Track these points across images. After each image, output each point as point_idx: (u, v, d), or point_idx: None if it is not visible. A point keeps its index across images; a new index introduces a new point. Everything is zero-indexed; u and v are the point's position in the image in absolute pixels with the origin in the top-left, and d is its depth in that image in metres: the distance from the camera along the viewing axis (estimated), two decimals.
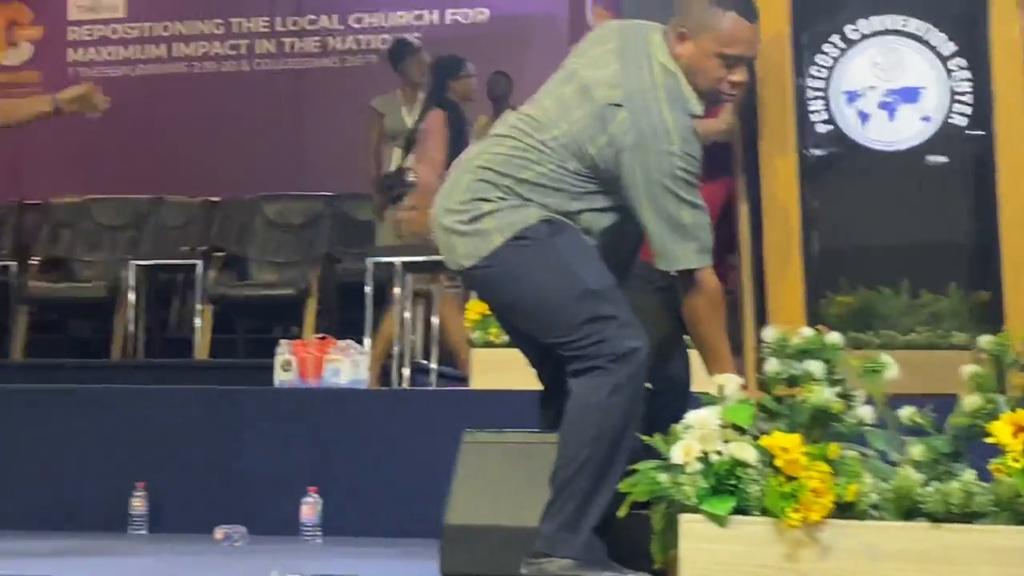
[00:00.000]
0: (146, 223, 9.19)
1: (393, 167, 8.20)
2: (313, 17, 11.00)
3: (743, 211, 5.43)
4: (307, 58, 10.99)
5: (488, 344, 6.32)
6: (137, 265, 8.49)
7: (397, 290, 7.05)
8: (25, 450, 6.40)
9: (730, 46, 3.79)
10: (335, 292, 8.44)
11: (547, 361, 4.08)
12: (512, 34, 10.49)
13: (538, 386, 6.13)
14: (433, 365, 7.00)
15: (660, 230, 3.73)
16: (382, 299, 7.54)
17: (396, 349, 6.98)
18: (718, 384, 3.57)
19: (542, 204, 3.76)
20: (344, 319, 8.40)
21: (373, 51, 10.85)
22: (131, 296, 8.42)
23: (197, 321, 8.39)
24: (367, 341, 7.01)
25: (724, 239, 4.66)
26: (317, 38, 10.98)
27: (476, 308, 6.33)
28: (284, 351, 6.62)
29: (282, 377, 6.61)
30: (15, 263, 8.76)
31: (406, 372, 7.00)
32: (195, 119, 10.96)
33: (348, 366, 6.49)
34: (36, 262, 8.76)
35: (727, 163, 5.53)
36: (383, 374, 7.22)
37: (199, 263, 8.46)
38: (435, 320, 7.12)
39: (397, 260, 7.00)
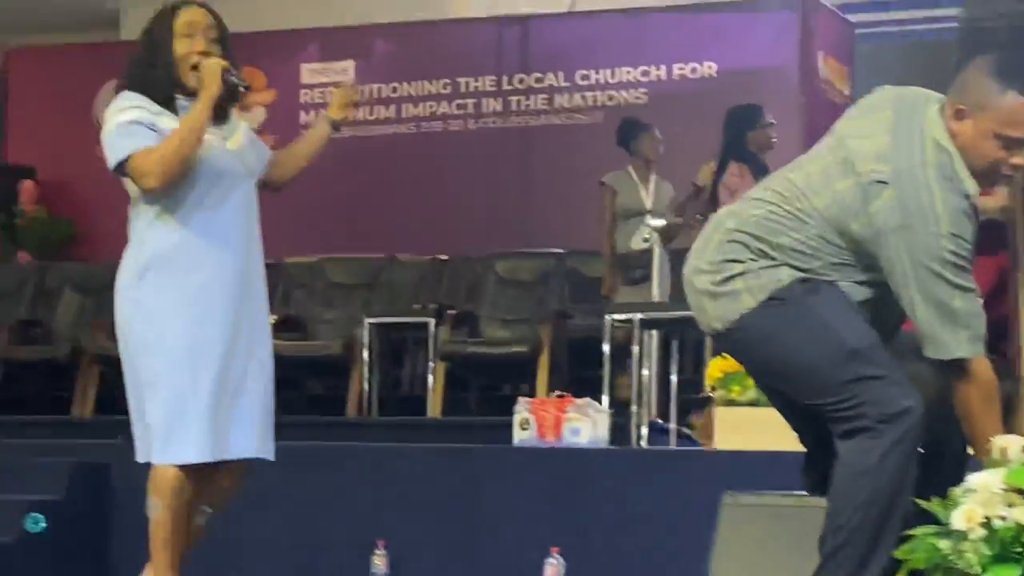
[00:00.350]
0: (378, 282, 9.24)
1: (634, 246, 8.12)
2: (539, 75, 11.02)
3: (1020, 294, 5.21)
4: (533, 115, 11.00)
5: (731, 403, 6.20)
6: (371, 323, 8.53)
7: (635, 347, 6.95)
8: (265, 508, 6.46)
9: (1011, 128, 3.59)
10: (567, 349, 8.37)
11: (808, 423, 3.94)
12: (741, 88, 10.32)
13: (785, 446, 6.01)
14: (672, 425, 6.88)
15: (928, 316, 3.55)
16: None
17: (634, 408, 6.88)
18: (1000, 447, 3.40)
19: (796, 267, 3.64)
20: (576, 376, 8.34)
21: (600, 108, 10.82)
22: (365, 354, 8.46)
23: (430, 379, 8.39)
24: (605, 399, 6.92)
25: (994, 321, 4.45)
26: (544, 95, 10.99)
27: (718, 366, 6.22)
28: (522, 409, 6.59)
29: (520, 436, 6.58)
30: None
31: (644, 431, 6.90)
32: (423, 178, 11.05)
33: (587, 425, 6.43)
34: (273, 320, 8.84)
35: (999, 238, 5.33)
36: (618, 432, 7.11)
37: (431, 321, 8.47)
38: (673, 378, 7.01)
39: (636, 316, 6.91)
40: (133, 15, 13.09)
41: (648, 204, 8.45)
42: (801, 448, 5.92)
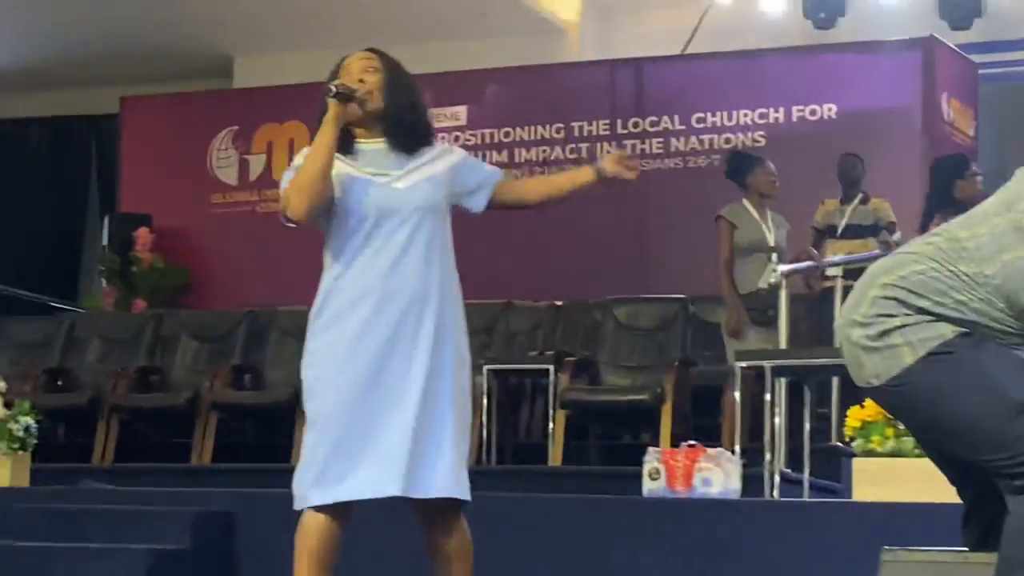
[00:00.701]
0: (495, 327, 9.14)
1: (762, 284, 7.93)
2: (655, 118, 10.92)
3: None
4: (649, 159, 10.88)
5: (870, 453, 6.03)
6: (489, 370, 8.43)
7: (768, 396, 6.79)
8: (379, 559, 6.39)
9: None
10: (689, 397, 8.22)
11: (968, 478, 3.80)
12: (863, 129, 10.21)
13: (926, 498, 5.84)
14: (805, 476, 6.71)
15: None
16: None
17: (768, 457, 6.72)
18: None
19: (956, 325, 3.49)
20: (699, 425, 8.19)
21: (716, 151, 10.69)
22: (484, 401, 8.37)
23: (550, 426, 8.28)
24: (737, 449, 6.77)
25: None
26: (659, 139, 10.88)
27: (857, 415, 6.05)
28: (652, 459, 6.45)
29: (650, 486, 6.44)
30: None
31: (777, 481, 6.73)
32: (538, 223, 10.94)
33: (719, 475, 6.28)
34: None
35: None
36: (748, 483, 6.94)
37: (551, 367, 8.35)
38: (807, 427, 6.84)
39: (767, 364, 6.75)
40: (245, 63, 13.22)
41: (771, 240, 8.25)
42: (947, 500, 5.76)
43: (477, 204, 4.35)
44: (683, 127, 10.85)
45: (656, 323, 8.79)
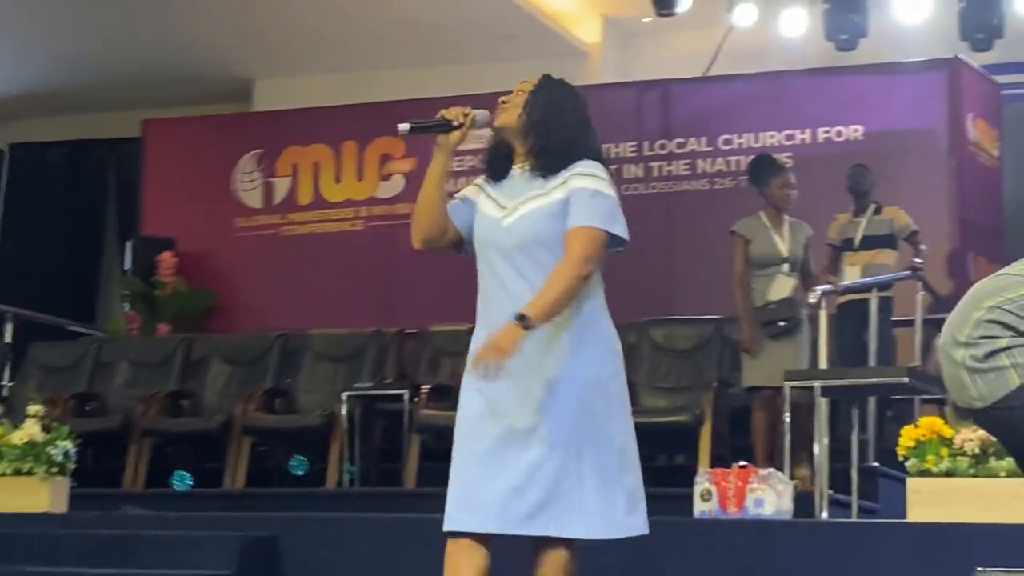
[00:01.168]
0: None
1: (776, 296, 7.90)
2: (681, 140, 10.93)
3: None
4: (675, 181, 10.89)
5: (924, 473, 6.02)
6: None
7: (817, 416, 6.77)
8: None
9: None
10: (727, 418, 8.21)
11: None
12: (888, 150, 10.22)
13: (980, 519, 5.83)
14: (853, 497, 6.68)
15: None
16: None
17: (818, 478, 6.70)
18: None
19: None
20: (736, 446, 8.19)
21: (743, 174, 10.66)
22: None
23: None
24: (787, 469, 6.75)
25: None
26: (685, 160, 10.89)
27: (911, 435, 6.05)
28: (703, 480, 6.44)
29: (702, 508, 6.42)
30: (406, 391, 8.78)
31: (826, 502, 6.71)
32: None
33: (772, 496, 6.26)
34: (426, 390, 8.79)
35: None
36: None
37: None
38: (854, 446, 6.81)
39: (817, 384, 6.74)
40: (265, 87, 13.23)
41: (784, 251, 8.10)
42: (1003, 520, 5.77)
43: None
44: (710, 148, 10.86)
45: (692, 344, 8.78)
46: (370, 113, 11.78)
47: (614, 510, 4.16)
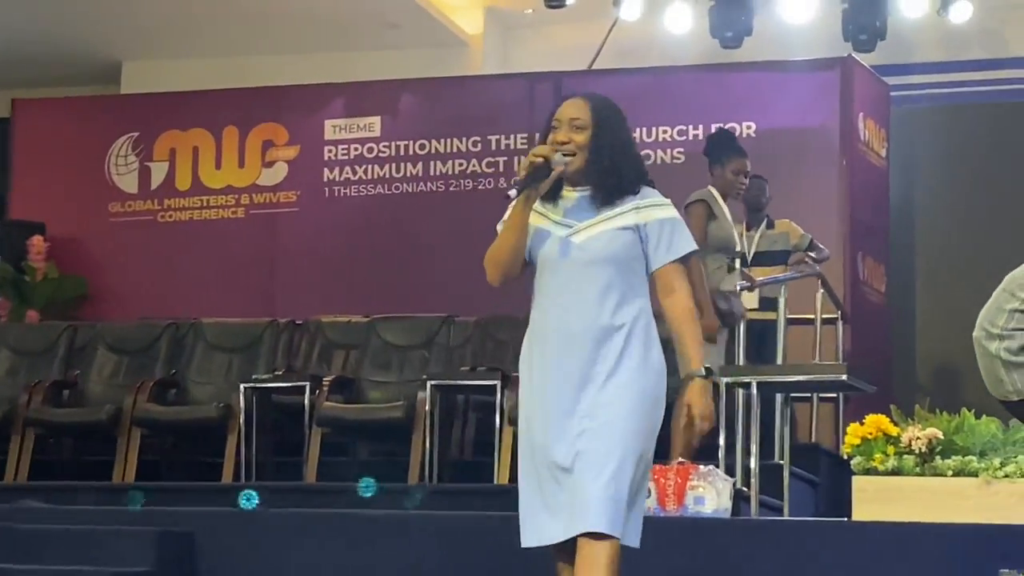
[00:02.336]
0: (435, 342, 8.96)
1: (727, 287, 7.72)
2: None
3: None
4: None
5: (869, 471, 6.01)
6: (433, 385, 8.28)
7: (754, 412, 6.72)
8: None
9: None
10: None
11: None
12: (781, 147, 10.24)
13: (926, 518, 5.83)
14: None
15: None
16: None
17: (752, 478, 6.64)
18: None
19: None
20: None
21: None
22: (428, 417, 8.22)
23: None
24: (722, 466, 6.69)
25: None
26: None
27: (857, 432, 6.03)
28: None
29: None
30: (307, 383, 8.58)
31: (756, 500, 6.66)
32: (452, 237, 10.82)
33: (712, 494, 6.20)
34: (328, 383, 8.60)
35: None
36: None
37: (497, 383, 8.22)
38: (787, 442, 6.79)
39: (754, 380, 6.68)
40: (133, 68, 12.87)
41: (737, 241, 7.89)
42: (948, 519, 5.77)
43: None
44: None
45: None
46: (252, 98, 11.53)
47: None
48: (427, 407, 8.26)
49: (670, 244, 4.33)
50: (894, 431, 5.97)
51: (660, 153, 10.66)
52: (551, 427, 4.21)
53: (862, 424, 6.01)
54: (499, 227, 4.41)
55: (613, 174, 4.29)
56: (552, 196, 4.35)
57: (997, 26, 11.90)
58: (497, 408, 8.19)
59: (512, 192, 4.30)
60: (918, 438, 5.90)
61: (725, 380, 6.77)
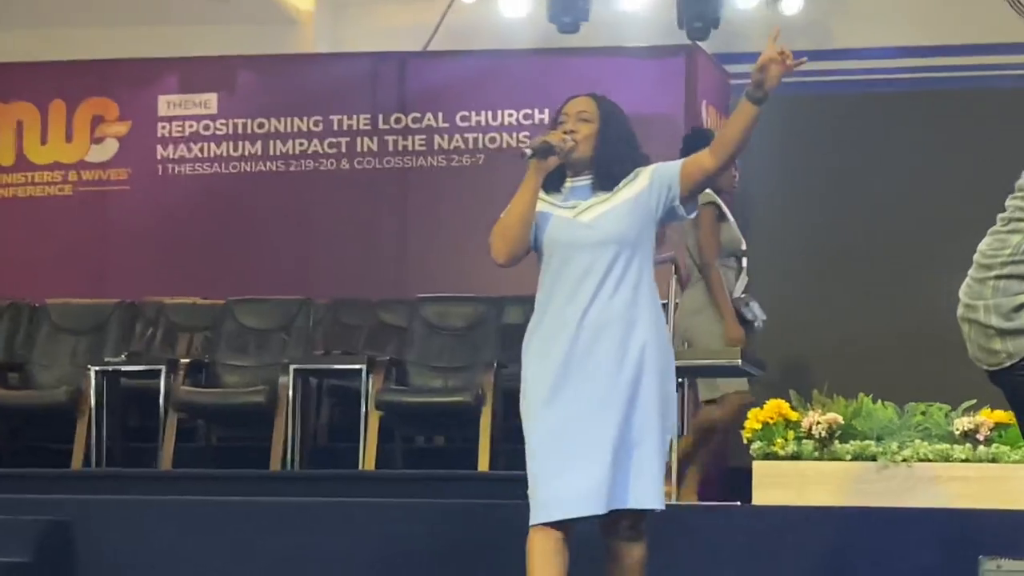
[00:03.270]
0: (293, 326, 8.78)
1: (739, 292, 7.51)
2: (417, 115, 10.70)
3: None
4: (411, 156, 10.68)
5: (769, 456, 6.05)
6: (296, 370, 8.13)
7: None
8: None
9: None
10: (502, 399, 8.11)
11: None
12: None
13: (830, 502, 5.91)
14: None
15: None
16: None
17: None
18: None
19: None
20: (511, 427, 8.10)
21: (480, 151, 10.58)
22: (290, 403, 8.06)
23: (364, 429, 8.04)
24: None
25: None
26: (422, 136, 10.69)
27: (758, 417, 6.07)
28: None
29: None
30: (163, 367, 8.34)
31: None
32: (292, 218, 10.64)
33: None
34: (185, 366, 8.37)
35: None
36: None
37: (363, 367, 8.11)
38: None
39: None
40: None
41: (743, 241, 7.71)
42: (848, 503, 5.85)
43: (678, 202, 4.51)
44: (447, 124, 10.67)
45: (467, 323, 8.61)
46: (81, 71, 11.12)
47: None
48: (289, 392, 8.08)
49: (670, 166, 4.57)
50: (795, 416, 6.03)
51: (506, 136, 10.59)
52: (598, 407, 4.33)
53: (763, 408, 6.05)
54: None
55: (618, 161, 4.48)
56: (555, 185, 4.47)
57: (823, 18, 12.11)
58: (363, 393, 8.06)
59: (528, 150, 4.42)
60: (818, 423, 5.97)
61: None
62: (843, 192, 10.86)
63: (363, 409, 8.05)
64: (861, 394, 6.09)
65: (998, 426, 5.91)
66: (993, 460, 5.87)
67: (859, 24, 11.90)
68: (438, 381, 8.35)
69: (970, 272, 3.74)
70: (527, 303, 8.21)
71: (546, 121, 10.55)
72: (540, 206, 4.45)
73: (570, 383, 4.33)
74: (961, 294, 3.72)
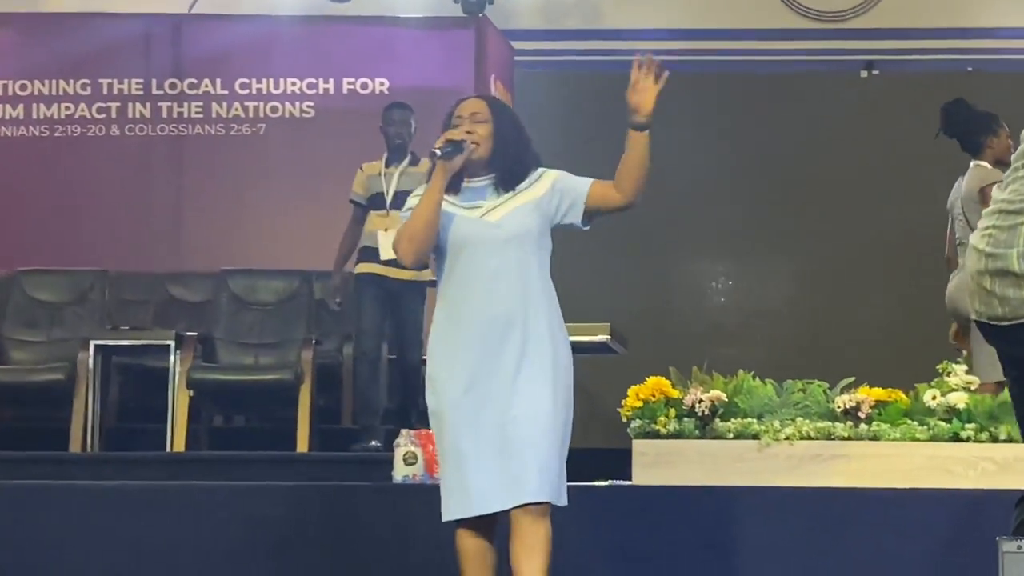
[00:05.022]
0: (87, 300, 8.23)
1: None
2: (194, 80, 10.19)
3: None
4: (187, 123, 10.16)
5: (650, 435, 5.89)
6: (97, 346, 7.62)
7: None
8: None
9: None
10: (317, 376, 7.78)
11: None
12: (415, 106, 10.00)
13: (708, 481, 5.79)
14: None
15: None
16: None
17: None
18: None
19: None
20: (325, 407, 7.80)
21: (262, 119, 10.15)
22: (91, 381, 7.55)
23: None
24: None
25: None
26: (198, 103, 10.18)
27: (638, 394, 5.90)
28: (407, 443, 6.01)
29: (404, 471, 5.99)
30: None
31: None
32: (56, 186, 9.99)
33: None
34: None
35: None
36: None
37: (171, 344, 7.65)
38: None
39: None
40: None
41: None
42: (730, 483, 5.74)
43: (578, 221, 4.59)
44: (225, 92, 10.19)
45: (278, 297, 8.21)
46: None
47: None
48: (89, 368, 7.56)
49: (577, 182, 4.59)
50: (675, 394, 5.88)
51: (288, 106, 10.18)
52: (494, 401, 4.38)
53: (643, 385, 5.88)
54: (411, 201, 4.53)
55: (517, 161, 4.51)
56: (455, 186, 4.49)
57: None
58: (172, 371, 7.60)
59: (437, 151, 4.44)
60: (701, 400, 5.83)
61: None
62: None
63: (171, 387, 7.57)
64: (741, 371, 5.98)
65: (879, 404, 5.87)
66: (874, 438, 5.82)
67: (629, 5, 11.90)
68: (249, 358, 7.94)
69: (989, 222, 3.62)
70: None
71: (331, 91, 10.23)
72: (444, 206, 4.46)
73: (481, 381, 4.37)
74: (982, 245, 3.60)
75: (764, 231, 10.54)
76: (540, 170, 4.58)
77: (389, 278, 7.67)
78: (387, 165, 8.20)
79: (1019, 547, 3.68)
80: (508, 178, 4.51)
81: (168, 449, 7.52)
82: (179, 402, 7.55)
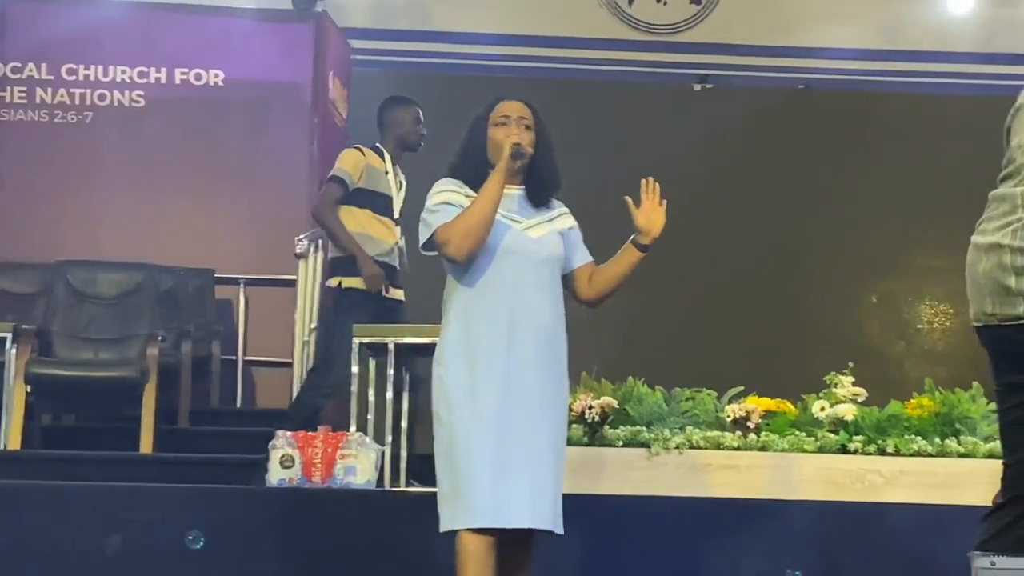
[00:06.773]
0: None
1: None
2: (17, 64, 9.71)
3: None
4: (8, 109, 9.67)
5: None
6: None
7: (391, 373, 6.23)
8: None
9: None
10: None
11: None
12: (251, 100, 9.74)
13: (600, 490, 5.66)
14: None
15: None
16: None
17: (402, 442, 6.16)
18: None
19: None
20: (164, 408, 7.46)
21: (89, 107, 9.72)
22: None
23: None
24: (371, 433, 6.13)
25: None
26: (21, 88, 9.71)
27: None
28: (283, 444, 5.74)
29: (281, 475, 5.72)
30: None
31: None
32: None
33: (365, 464, 5.71)
34: None
35: None
36: None
37: (8, 336, 7.22)
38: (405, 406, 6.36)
39: (391, 341, 6.19)
40: None
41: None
42: (650, 492, 5.63)
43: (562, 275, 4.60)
44: (51, 77, 9.74)
45: (119, 291, 7.82)
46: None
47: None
48: None
49: (581, 250, 4.66)
50: None
51: (118, 95, 9.77)
52: (533, 417, 4.34)
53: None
54: (438, 198, 4.44)
55: (551, 175, 4.53)
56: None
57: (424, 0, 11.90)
58: (7, 365, 7.17)
59: (516, 148, 4.39)
60: (591, 407, 5.69)
61: (360, 341, 6.21)
62: None
63: (7, 383, 7.15)
64: (631, 378, 5.86)
65: (767, 414, 5.81)
66: (763, 448, 5.76)
67: (458, 8, 11.76)
68: (88, 353, 7.54)
69: (1013, 216, 3.51)
70: (177, 273, 7.67)
71: (163, 81, 9.86)
72: None
73: (519, 390, 4.31)
74: (1007, 240, 3.48)
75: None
76: (562, 206, 4.61)
77: (390, 299, 7.05)
78: (394, 164, 7.63)
79: (992, 563, 3.60)
80: (539, 192, 4.51)
81: (2, 447, 7.10)
82: (16, 398, 7.13)
